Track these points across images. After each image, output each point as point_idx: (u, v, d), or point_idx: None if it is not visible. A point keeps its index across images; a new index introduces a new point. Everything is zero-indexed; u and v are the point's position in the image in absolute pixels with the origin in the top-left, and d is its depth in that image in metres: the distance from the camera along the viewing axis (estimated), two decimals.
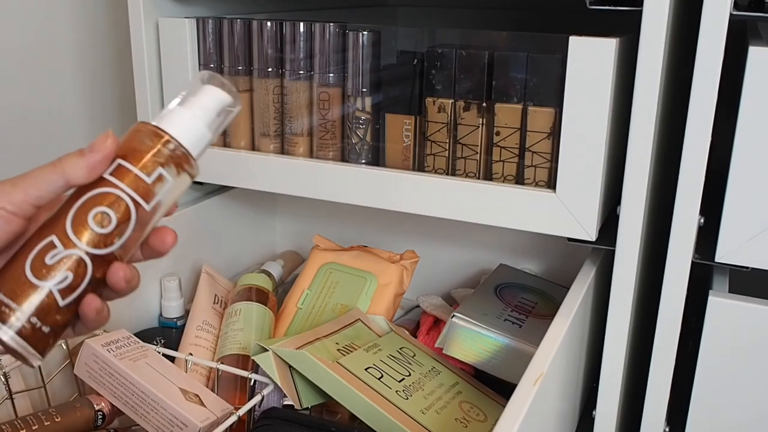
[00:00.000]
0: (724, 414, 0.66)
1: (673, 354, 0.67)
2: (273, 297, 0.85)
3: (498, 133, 0.69)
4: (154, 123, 0.46)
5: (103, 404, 0.70)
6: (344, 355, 0.72)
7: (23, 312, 0.42)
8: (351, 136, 0.76)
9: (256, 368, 0.74)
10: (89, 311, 0.44)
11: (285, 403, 0.71)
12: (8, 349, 0.42)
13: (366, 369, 0.71)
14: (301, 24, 0.75)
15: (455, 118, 0.70)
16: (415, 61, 0.71)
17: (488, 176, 0.71)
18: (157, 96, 0.83)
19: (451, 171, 0.72)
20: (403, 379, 0.72)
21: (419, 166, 0.73)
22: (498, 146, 0.69)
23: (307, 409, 0.70)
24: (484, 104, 0.69)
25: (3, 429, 0.63)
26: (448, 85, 0.70)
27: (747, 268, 0.63)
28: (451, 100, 0.70)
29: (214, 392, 0.71)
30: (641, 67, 0.61)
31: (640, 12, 0.60)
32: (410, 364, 0.75)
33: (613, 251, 0.67)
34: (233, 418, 0.65)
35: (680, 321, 0.66)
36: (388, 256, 0.88)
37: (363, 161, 0.76)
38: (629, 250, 0.66)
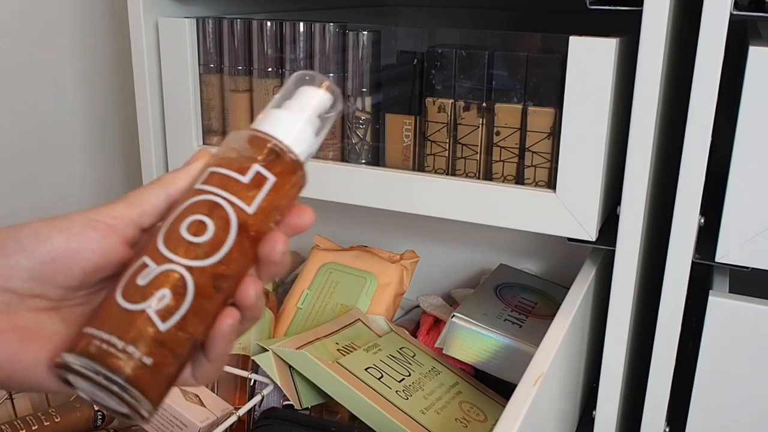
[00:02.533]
0: (725, 414, 0.66)
1: (674, 354, 0.67)
2: (273, 297, 0.85)
3: (498, 133, 0.69)
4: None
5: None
6: (344, 355, 0.72)
7: (116, 340, 0.35)
8: (351, 136, 0.76)
9: (255, 368, 0.74)
10: (220, 326, 0.38)
11: (285, 403, 0.71)
12: (109, 392, 0.35)
13: (366, 369, 0.71)
14: (301, 24, 0.75)
15: (455, 118, 0.70)
16: (415, 61, 0.71)
17: (488, 176, 0.70)
18: (156, 96, 0.83)
19: (451, 171, 0.72)
20: (403, 379, 0.72)
21: (419, 166, 0.73)
22: (498, 146, 0.69)
23: (307, 409, 0.70)
24: (484, 104, 0.69)
25: (3, 429, 0.63)
26: (448, 85, 0.70)
27: (747, 268, 0.63)
28: (451, 100, 0.70)
29: (214, 392, 0.71)
30: (641, 67, 0.61)
31: (640, 12, 0.60)
32: (410, 364, 0.75)
33: (613, 251, 0.67)
34: (233, 418, 0.65)
35: (680, 321, 0.66)
36: (388, 256, 0.88)
37: (363, 161, 0.76)
38: (629, 250, 0.66)
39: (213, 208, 0.38)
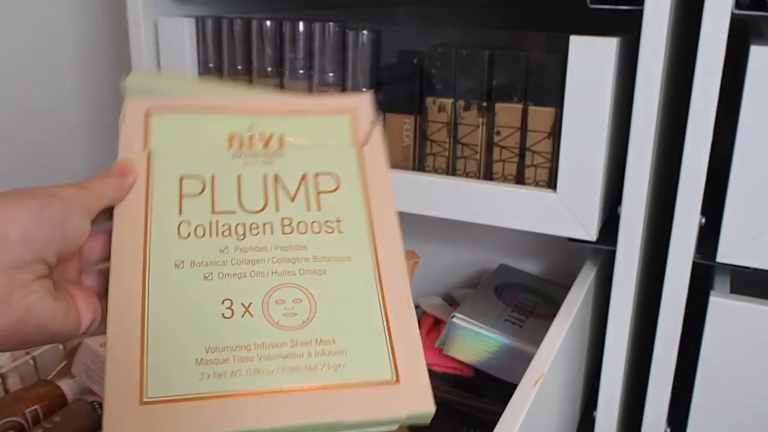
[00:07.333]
0: (726, 415, 0.66)
1: (674, 354, 0.67)
2: None
3: (498, 133, 0.69)
4: None
5: (95, 397, 0.70)
6: None
7: None
8: None
9: None
10: None
11: None
12: None
13: None
14: (301, 23, 0.75)
15: (455, 118, 0.70)
16: (415, 60, 0.71)
17: (488, 176, 0.70)
18: None
19: (451, 171, 0.72)
20: None
21: (419, 166, 0.73)
22: (498, 146, 0.69)
23: None
24: (485, 104, 0.69)
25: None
26: (448, 85, 0.69)
27: (748, 268, 0.62)
28: (451, 100, 0.70)
29: None
30: (641, 67, 0.61)
31: (641, 12, 0.60)
32: None
33: (614, 251, 0.66)
34: None
35: (681, 321, 0.66)
36: None
37: None
38: (630, 250, 0.66)
39: None
